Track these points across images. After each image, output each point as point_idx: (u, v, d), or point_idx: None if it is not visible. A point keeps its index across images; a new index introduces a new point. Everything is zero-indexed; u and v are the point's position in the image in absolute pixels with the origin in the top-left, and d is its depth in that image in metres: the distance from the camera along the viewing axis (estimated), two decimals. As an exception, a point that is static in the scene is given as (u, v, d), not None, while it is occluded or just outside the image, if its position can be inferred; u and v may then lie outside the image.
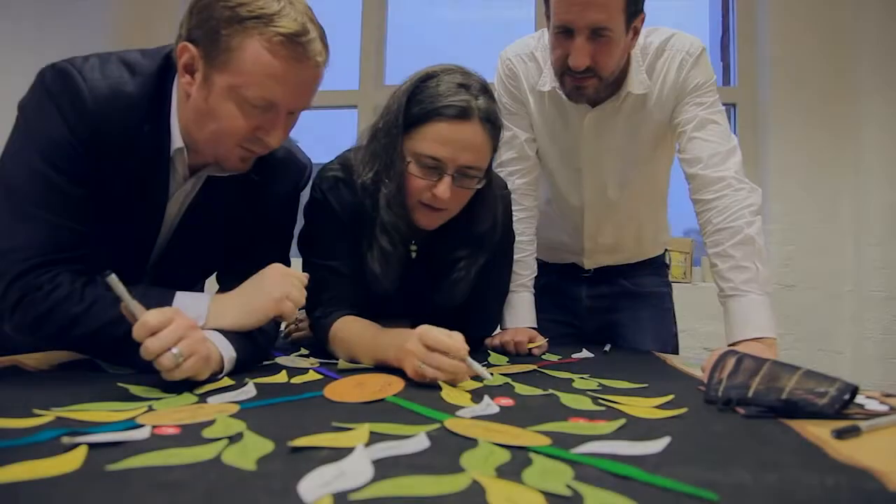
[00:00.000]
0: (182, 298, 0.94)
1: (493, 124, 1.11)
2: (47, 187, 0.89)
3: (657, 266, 1.71)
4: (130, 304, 0.80)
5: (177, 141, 0.97)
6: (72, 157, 0.90)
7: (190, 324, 0.82)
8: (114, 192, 0.95)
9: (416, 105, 1.08)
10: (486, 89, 1.12)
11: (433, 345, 0.89)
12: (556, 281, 1.67)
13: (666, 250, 1.78)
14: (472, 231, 1.21)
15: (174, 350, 0.77)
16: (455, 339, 0.90)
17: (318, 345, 1.21)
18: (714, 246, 1.27)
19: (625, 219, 1.58)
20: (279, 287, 0.98)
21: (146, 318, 0.77)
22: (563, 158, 1.51)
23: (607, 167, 1.48)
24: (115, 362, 0.95)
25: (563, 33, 1.24)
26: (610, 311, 1.66)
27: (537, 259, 1.55)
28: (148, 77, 0.95)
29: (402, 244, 1.18)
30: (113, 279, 0.79)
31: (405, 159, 1.09)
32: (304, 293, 1.01)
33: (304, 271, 1.16)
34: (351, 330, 1.13)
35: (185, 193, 1.04)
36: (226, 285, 1.06)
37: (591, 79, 1.27)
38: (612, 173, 1.49)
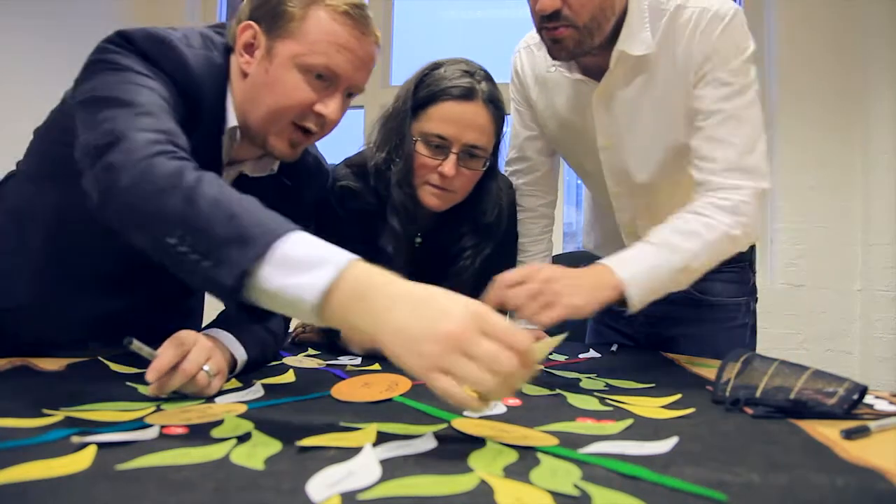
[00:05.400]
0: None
1: (496, 107, 1.17)
2: (161, 105, 0.82)
3: (738, 268, 1.30)
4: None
5: (231, 119, 0.96)
6: (173, 106, 0.85)
7: (211, 344, 0.80)
8: None
9: (424, 89, 1.16)
10: (489, 77, 1.19)
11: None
12: None
13: (752, 247, 1.38)
14: (478, 221, 1.25)
15: (206, 367, 0.76)
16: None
17: (328, 343, 1.21)
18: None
19: (668, 207, 1.28)
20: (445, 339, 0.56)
21: (167, 350, 0.73)
22: (579, 147, 1.33)
23: (628, 148, 1.26)
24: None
25: None
26: (667, 322, 1.41)
27: (597, 256, 1.49)
28: (224, 52, 0.96)
29: (411, 225, 1.21)
30: (136, 344, 0.73)
31: (413, 139, 1.15)
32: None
33: None
34: None
35: None
36: None
37: (566, 28, 1.07)
38: (636, 154, 1.27)
